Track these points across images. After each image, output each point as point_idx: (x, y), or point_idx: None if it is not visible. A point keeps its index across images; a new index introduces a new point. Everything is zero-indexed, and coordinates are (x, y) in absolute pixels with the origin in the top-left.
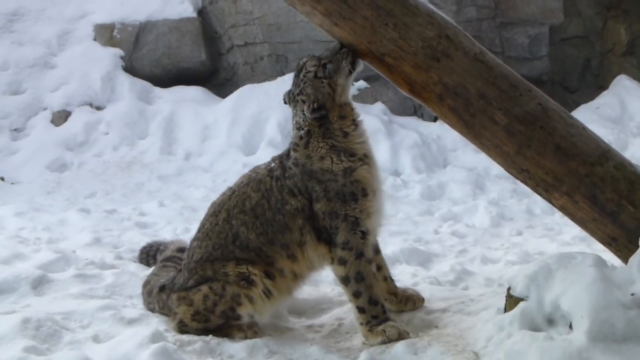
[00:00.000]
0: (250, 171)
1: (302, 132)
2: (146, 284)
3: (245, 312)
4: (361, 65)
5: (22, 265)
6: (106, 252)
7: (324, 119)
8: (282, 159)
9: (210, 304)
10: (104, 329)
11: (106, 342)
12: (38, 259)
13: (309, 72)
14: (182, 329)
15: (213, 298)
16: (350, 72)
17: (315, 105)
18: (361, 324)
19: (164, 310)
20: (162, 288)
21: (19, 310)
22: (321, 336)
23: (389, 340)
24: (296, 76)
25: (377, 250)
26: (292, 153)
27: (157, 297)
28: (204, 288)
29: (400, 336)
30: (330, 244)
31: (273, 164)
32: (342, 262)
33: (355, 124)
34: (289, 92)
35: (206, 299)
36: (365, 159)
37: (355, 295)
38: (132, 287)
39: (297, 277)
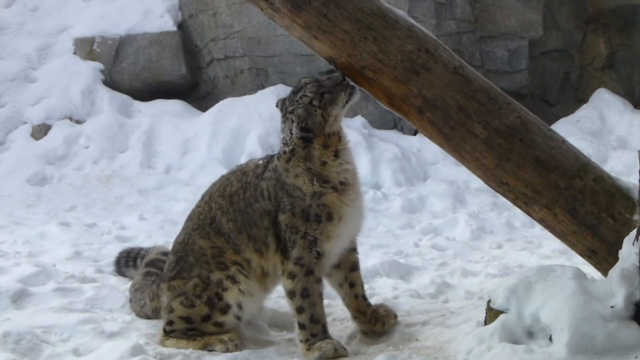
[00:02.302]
0: (245, 162)
1: (287, 148)
2: (134, 292)
3: (232, 299)
4: (358, 96)
5: (2, 278)
6: (86, 266)
7: (309, 142)
8: (269, 160)
9: (199, 290)
10: (84, 342)
11: (86, 355)
12: (18, 273)
13: (306, 96)
14: (170, 317)
15: (202, 285)
16: (346, 103)
17: (304, 125)
18: (300, 341)
19: (154, 301)
20: (153, 281)
21: None
22: None
23: (325, 357)
24: (294, 93)
25: (354, 267)
26: (275, 160)
27: (149, 289)
28: (194, 279)
29: (337, 352)
30: (284, 256)
31: (261, 162)
32: (292, 276)
33: (337, 154)
34: (284, 102)
35: (196, 287)
36: (340, 186)
37: (299, 310)
38: (113, 301)
39: (266, 275)
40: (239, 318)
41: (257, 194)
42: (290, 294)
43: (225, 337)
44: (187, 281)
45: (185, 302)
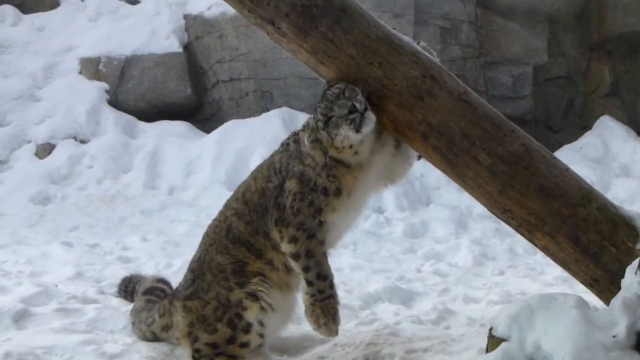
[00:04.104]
0: None
1: (312, 121)
2: (136, 314)
3: (252, 317)
4: (370, 127)
5: (3, 298)
6: (88, 287)
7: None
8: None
9: (220, 313)
10: None
11: None
12: (20, 293)
13: (316, 116)
14: (196, 345)
15: (222, 308)
16: (356, 132)
17: (314, 138)
18: (305, 292)
19: (164, 317)
20: (165, 296)
21: (0, 344)
22: None
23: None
24: (328, 97)
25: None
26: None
27: (159, 304)
28: (213, 302)
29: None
30: (282, 224)
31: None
32: (294, 240)
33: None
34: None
35: (216, 311)
36: (352, 165)
37: (305, 269)
38: (114, 322)
39: (290, 270)
40: (261, 335)
41: (270, 172)
42: (295, 256)
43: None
44: (205, 303)
45: (208, 328)
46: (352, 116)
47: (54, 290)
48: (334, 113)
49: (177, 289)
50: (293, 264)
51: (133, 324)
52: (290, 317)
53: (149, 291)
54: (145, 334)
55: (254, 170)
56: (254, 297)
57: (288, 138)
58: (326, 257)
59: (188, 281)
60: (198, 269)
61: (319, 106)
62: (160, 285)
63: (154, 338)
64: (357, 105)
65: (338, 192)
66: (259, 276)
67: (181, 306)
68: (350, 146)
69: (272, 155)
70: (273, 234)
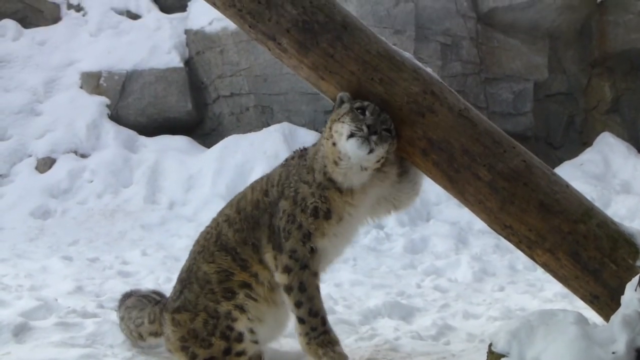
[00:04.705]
0: None
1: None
2: (126, 309)
3: (242, 326)
4: (361, 155)
5: (3, 312)
6: (88, 301)
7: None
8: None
9: (211, 327)
10: None
11: None
12: (20, 306)
13: (358, 107)
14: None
15: (212, 321)
16: (355, 145)
17: (337, 116)
18: (299, 334)
19: (154, 324)
20: (156, 302)
21: None
22: None
23: None
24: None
25: None
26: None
27: (150, 309)
28: (201, 314)
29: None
30: (277, 249)
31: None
32: (287, 270)
33: (337, 164)
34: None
35: (206, 324)
36: (345, 190)
37: (297, 305)
38: (114, 336)
39: (273, 289)
40: (255, 342)
41: (268, 185)
42: (288, 289)
43: None
44: (193, 316)
45: (203, 343)
46: (373, 137)
47: (54, 304)
48: (365, 117)
49: (167, 299)
50: (285, 298)
51: (122, 318)
52: (281, 329)
53: (144, 296)
54: (132, 332)
55: (254, 182)
56: (241, 309)
57: (294, 153)
58: (319, 292)
59: (177, 292)
60: (186, 279)
61: (370, 104)
62: (155, 295)
63: (140, 338)
64: (385, 137)
65: (328, 215)
66: (245, 288)
67: (170, 319)
68: (339, 156)
69: (274, 170)
70: (267, 257)
